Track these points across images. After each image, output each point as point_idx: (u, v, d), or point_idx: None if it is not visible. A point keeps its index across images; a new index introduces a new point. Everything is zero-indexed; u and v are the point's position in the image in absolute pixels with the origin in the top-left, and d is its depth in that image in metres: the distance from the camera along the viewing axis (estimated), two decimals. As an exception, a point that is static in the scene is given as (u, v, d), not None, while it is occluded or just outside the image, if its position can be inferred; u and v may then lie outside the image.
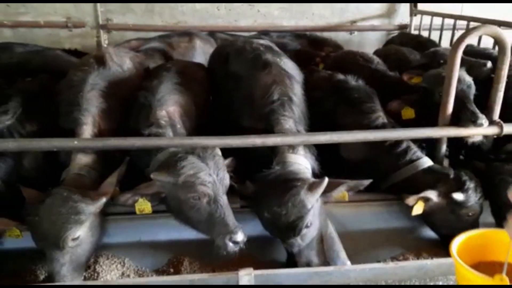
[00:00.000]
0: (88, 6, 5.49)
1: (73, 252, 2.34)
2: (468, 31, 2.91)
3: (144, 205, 2.48)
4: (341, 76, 3.38)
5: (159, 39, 4.70)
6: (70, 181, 2.49)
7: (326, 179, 2.48)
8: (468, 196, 2.68)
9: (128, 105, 2.99)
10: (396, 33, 5.94)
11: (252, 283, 2.31)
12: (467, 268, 1.79)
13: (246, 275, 2.30)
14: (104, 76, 3.05)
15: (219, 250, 2.40)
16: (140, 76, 3.41)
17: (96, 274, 2.53)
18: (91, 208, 2.35)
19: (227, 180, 2.56)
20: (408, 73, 3.66)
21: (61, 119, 2.87)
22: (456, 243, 1.95)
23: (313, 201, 2.49)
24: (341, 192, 2.62)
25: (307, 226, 2.49)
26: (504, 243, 1.85)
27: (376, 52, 4.68)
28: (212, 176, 2.46)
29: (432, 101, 3.02)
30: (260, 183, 2.61)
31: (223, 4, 5.73)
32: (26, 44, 4.60)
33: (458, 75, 2.85)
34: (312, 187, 2.48)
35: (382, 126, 2.95)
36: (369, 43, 5.80)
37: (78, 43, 5.53)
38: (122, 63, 3.34)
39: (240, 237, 2.39)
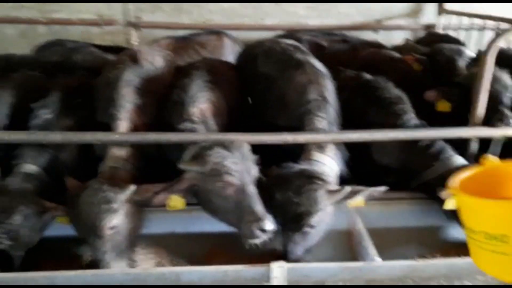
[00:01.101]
0: (119, 5, 5.62)
1: (113, 239, 2.44)
2: (499, 34, 2.92)
3: (177, 202, 2.55)
4: (369, 76, 3.40)
5: (190, 37, 4.80)
6: (106, 173, 2.61)
7: (348, 189, 2.52)
8: None
9: (161, 102, 3.10)
10: (422, 32, 5.92)
11: (285, 275, 2.39)
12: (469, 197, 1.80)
13: (278, 267, 2.38)
14: (138, 74, 3.16)
15: (246, 238, 2.42)
16: (171, 74, 3.51)
17: (133, 262, 2.66)
18: (121, 197, 2.44)
19: (254, 171, 2.60)
20: (413, 56, 3.86)
21: (98, 114, 3.00)
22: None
23: (326, 204, 2.52)
24: (358, 200, 2.62)
25: (311, 226, 2.51)
26: None
27: (396, 49, 4.73)
28: (239, 165, 2.51)
29: (469, 100, 3.03)
30: (283, 172, 2.63)
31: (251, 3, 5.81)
32: (77, 41, 4.77)
33: (497, 76, 2.86)
34: (331, 192, 2.53)
35: (415, 127, 2.98)
36: (395, 43, 5.78)
37: (109, 40, 5.67)
38: (154, 61, 3.44)
39: (268, 225, 2.37)
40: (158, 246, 2.82)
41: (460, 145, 3.05)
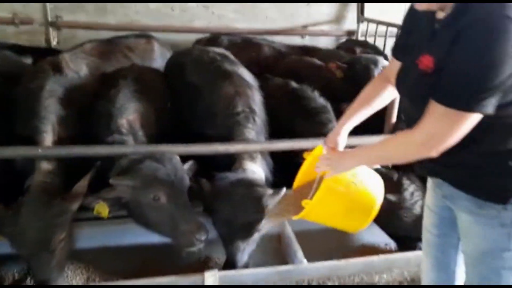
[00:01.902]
0: (37, 3, 5.32)
1: (59, 254, 2.39)
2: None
3: (102, 208, 2.53)
4: (296, 85, 3.55)
5: (117, 40, 4.65)
6: (37, 188, 2.49)
7: (283, 190, 2.63)
8: (402, 198, 2.91)
9: (86, 113, 3.00)
10: (344, 38, 6.29)
11: (217, 283, 2.47)
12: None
13: (211, 276, 2.45)
14: (61, 83, 3.03)
15: (183, 247, 2.50)
16: (97, 82, 3.40)
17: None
18: (72, 208, 2.44)
19: (186, 181, 2.65)
20: (336, 63, 4.12)
21: (18, 127, 2.82)
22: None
23: (269, 208, 2.60)
24: None
25: (259, 231, 2.62)
26: None
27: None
28: (170, 177, 2.53)
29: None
30: (222, 182, 2.67)
31: (178, 5, 5.75)
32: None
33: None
34: (271, 196, 2.62)
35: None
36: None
37: (26, 40, 5.32)
38: (79, 69, 3.33)
39: (203, 234, 2.46)
40: (87, 261, 2.75)
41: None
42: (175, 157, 2.68)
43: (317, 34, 6.30)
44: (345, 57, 4.60)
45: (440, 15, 1.50)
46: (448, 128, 1.42)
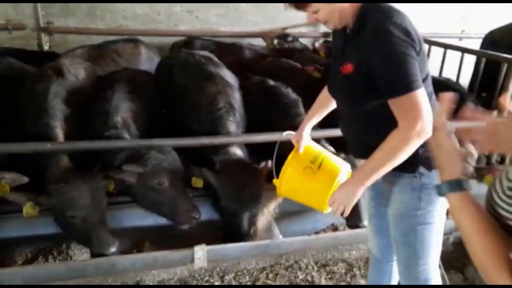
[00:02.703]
0: (29, 9, 5.57)
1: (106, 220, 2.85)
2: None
3: (109, 184, 2.96)
4: (272, 83, 3.93)
5: (106, 45, 4.98)
6: (68, 170, 2.87)
7: None
8: None
9: (85, 112, 3.37)
10: (321, 40, 6.70)
11: (205, 256, 2.86)
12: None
13: (200, 250, 2.84)
14: (63, 86, 3.39)
15: (181, 224, 2.95)
16: (94, 84, 3.77)
17: (69, 258, 2.94)
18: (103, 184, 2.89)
19: (182, 169, 3.12)
20: (313, 66, 4.49)
21: (27, 125, 3.12)
22: None
23: None
24: None
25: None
26: None
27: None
28: (171, 165, 3.02)
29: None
30: (224, 164, 3.10)
31: (163, 10, 6.10)
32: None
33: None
34: None
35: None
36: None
37: (19, 45, 5.58)
38: (78, 73, 3.69)
39: (197, 214, 2.95)
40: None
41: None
42: (171, 149, 3.12)
43: (296, 36, 6.69)
44: (320, 59, 5.01)
45: (348, 29, 1.92)
46: (418, 108, 1.69)
